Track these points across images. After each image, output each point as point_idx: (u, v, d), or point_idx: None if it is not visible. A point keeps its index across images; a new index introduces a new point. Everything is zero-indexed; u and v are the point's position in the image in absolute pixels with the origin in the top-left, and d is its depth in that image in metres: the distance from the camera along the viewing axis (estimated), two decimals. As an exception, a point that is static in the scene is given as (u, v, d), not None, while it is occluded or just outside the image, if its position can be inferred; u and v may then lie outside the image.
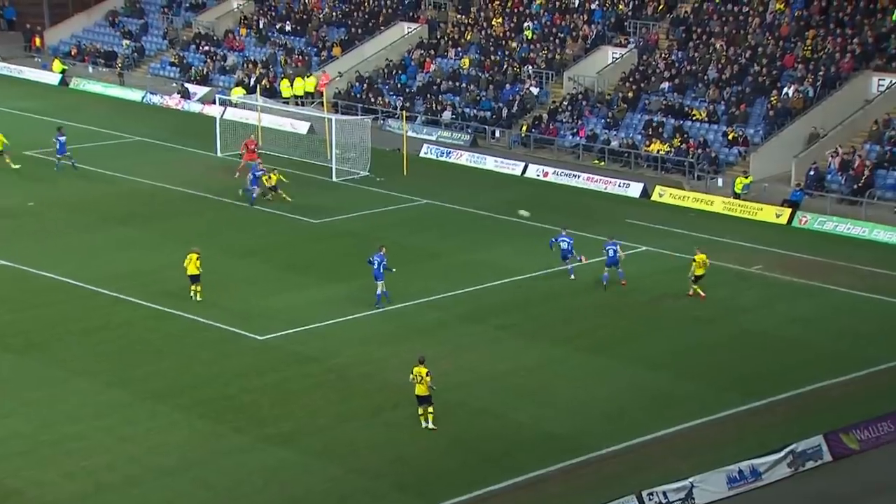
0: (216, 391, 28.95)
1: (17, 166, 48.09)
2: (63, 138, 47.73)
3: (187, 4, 72.37)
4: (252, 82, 61.42)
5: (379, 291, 34.25)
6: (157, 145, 53.79)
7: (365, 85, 60.73)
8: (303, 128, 56.67)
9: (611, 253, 36.22)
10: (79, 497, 23.88)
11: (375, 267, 34.24)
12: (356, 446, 26.37)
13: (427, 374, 26.82)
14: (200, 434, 26.75)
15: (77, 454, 25.26)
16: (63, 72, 66.89)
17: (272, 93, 59.93)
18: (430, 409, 26.93)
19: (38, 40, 71.81)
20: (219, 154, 51.70)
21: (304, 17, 68.09)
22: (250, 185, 44.51)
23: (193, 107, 61.76)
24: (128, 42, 69.23)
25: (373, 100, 59.30)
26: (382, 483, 24.88)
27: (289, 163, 49.97)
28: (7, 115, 58.07)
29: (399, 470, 25.40)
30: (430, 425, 26.87)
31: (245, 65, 64.51)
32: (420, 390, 26.90)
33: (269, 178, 44.52)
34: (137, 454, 25.66)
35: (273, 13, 69.41)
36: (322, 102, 57.10)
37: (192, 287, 34.37)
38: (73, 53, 69.96)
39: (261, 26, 68.27)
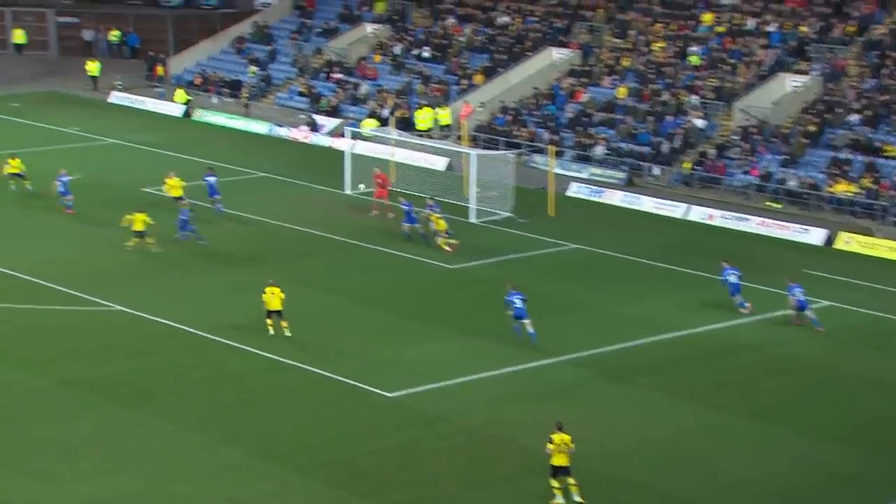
0: (336, 452, 29.52)
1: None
2: (213, 179, 49.06)
3: (318, 30, 74.44)
4: (386, 113, 62.71)
5: (531, 330, 35.15)
6: (281, 181, 55.30)
7: (509, 117, 61.41)
8: (440, 163, 57.57)
9: (799, 296, 36.43)
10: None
11: (518, 306, 34.88)
12: (486, 516, 26.62)
13: (571, 442, 26.79)
14: (318, 500, 27.30)
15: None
16: (186, 102, 69.38)
17: (407, 125, 61.08)
18: (572, 481, 26.87)
19: (160, 69, 74.68)
20: (347, 191, 52.92)
21: (444, 42, 69.33)
22: (406, 221, 45.63)
23: (322, 140, 63.35)
24: (254, 70, 71.45)
25: (517, 133, 59.91)
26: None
27: (423, 202, 50.70)
28: (126, 149, 60.47)
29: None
30: (578, 498, 26.72)
31: (378, 94, 65.93)
32: (560, 460, 26.79)
33: (438, 221, 44.92)
34: (248, 520, 26.42)
35: (410, 38, 70.86)
36: (461, 136, 57.92)
37: (274, 322, 36.01)
38: (197, 83, 72.47)
39: (397, 53, 69.75)
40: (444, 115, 62.12)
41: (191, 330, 36.78)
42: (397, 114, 61.79)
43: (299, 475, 28.28)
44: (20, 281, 40.68)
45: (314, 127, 64.51)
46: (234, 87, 70.97)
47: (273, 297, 36.05)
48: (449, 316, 38.76)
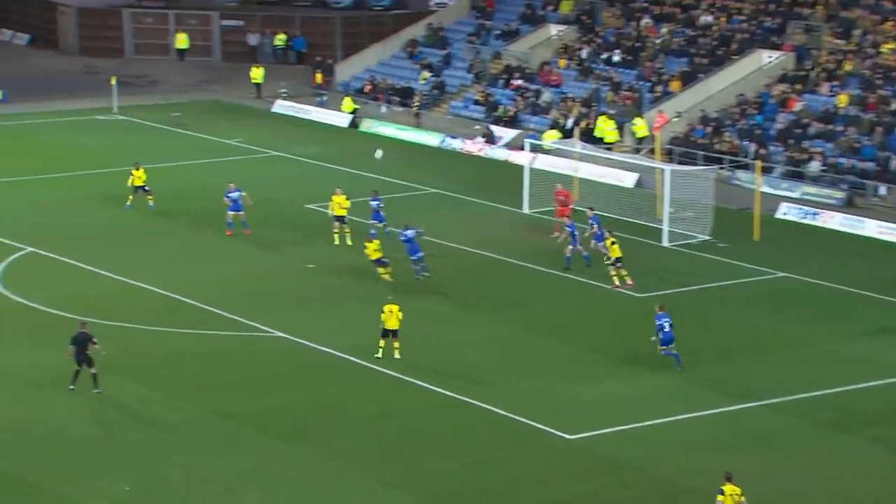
0: (512, 500, 29.42)
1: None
2: (377, 203, 48.88)
3: (497, 32, 74.72)
4: (569, 124, 62.55)
5: (675, 352, 35.39)
6: (453, 198, 55.56)
7: (709, 128, 60.63)
8: (629, 180, 57.14)
9: None
10: None
11: (667, 330, 35.45)
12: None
13: (742, 495, 26.31)
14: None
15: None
16: (353, 112, 70.34)
17: (593, 137, 60.80)
18: None
19: (319, 76, 75.96)
20: (525, 210, 52.84)
21: (637, 45, 68.86)
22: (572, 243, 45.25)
23: (498, 153, 63.49)
24: (426, 76, 72.05)
25: (718, 147, 59.09)
26: None
27: (610, 222, 50.44)
28: (289, 162, 61.57)
29: None
30: None
31: (562, 103, 65.81)
32: None
33: (614, 247, 44.10)
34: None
35: (599, 41, 70.57)
36: (654, 149, 57.40)
37: (387, 342, 36.86)
38: (366, 90, 73.41)
39: (583, 57, 69.55)
40: (640, 127, 61.45)
41: (357, 361, 37.14)
42: (582, 125, 61.55)
43: (470, 524, 28.33)
44: (177, 303, 41.66)
45: (491, 139, 64.70)
46: (405, 95, 71.69)
47: (391, 316, 36.70)
48: (637, 351, 38.30)
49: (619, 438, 32.50)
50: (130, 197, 51.96)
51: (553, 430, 32.62)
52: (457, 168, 61.17)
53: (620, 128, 62.05)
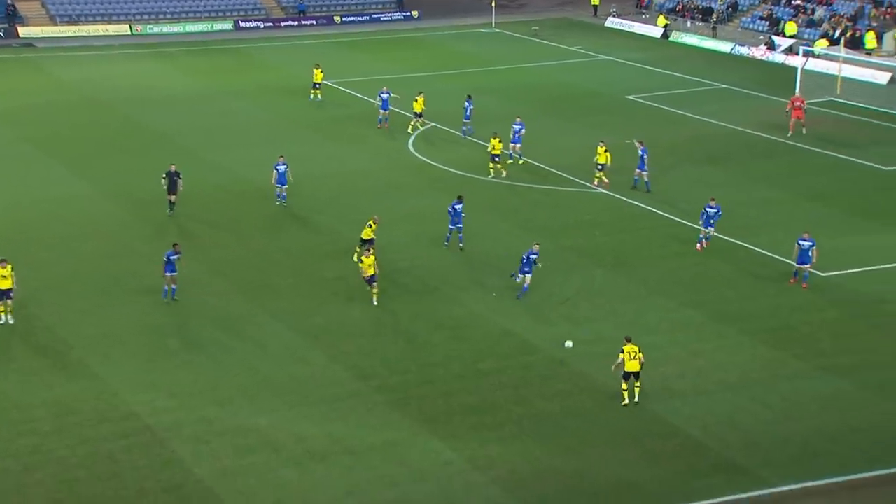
0: (778, 321, 28.59)
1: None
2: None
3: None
4: (837, 34, 58.36)
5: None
6: (740, 93, 53.20)
7: (952, 37, 55.33)
8: (883, 79, 53.08)
9: None
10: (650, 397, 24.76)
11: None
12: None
13: (640, 352, 24.00)
14: (762, 357, 26.62)
15: (653, 362, 25.56)
16: (665, 26, 68.29)
17: (856, 45, 56.55)
18: (638, 384, 24.13)
19: (639, -2, 73.65)
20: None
21: (894, -30, 63.05)
22: None
23: (777, 58, 60.19)
24: (724, -3, 68.77)
25: (958, 52, 53.90)
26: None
27: (866, 112, 47.23)
28: (615, 65, 60.50)
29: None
30: (636, 399, 24.19)
31: (832, 18, 61.37)
32: (632, 367, 24.12)
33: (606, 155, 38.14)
34: (705, 368, 26.11)
35: (863, -33, 65.02)
36: (906, 54, 52.99)
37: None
38: (677, 9, 70.93)
39: (850, -20, 64.34)
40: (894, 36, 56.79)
41: (662, 213, 36.47)
42: (847, 35, 57.25)
43: (747, 336, 27.68)
44: (538, 168, 41.60)
45: (772, 46, 61.31)
46: (706, 13, 68.75)
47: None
48: (884, 212, 35.99)
49: (865, 278, 30.96)
50: (312, 91, 49.96)
51: (812, 270, 31.13)
52: (744, 70, 58.41)
53: (880, 38, 57.39)
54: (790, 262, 31.60)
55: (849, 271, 31.24)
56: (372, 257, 29.26)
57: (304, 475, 22.00)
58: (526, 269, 29.65)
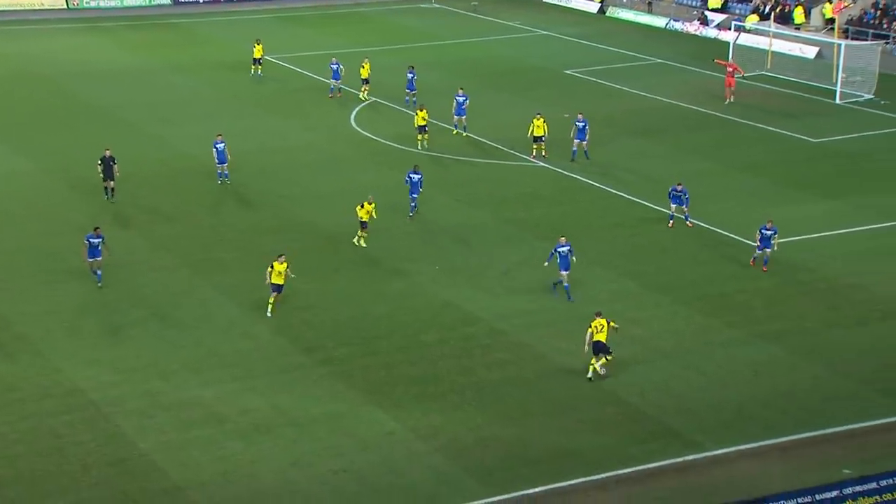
0: (713, 289, 28.91)
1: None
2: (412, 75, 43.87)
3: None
4: (767, 10, 58.92)
5: (567, 285, 28.27)
6: (675, 67, 53.51)
7: (879, 11, 56.04)
8: (811, 53, 53.78)
9: None
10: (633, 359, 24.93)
11: (564, 255, 28.10)
12: (842, 351, 25.22)
13: (609, 323, 24.18)
14: (697, 325, 26.92)
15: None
16: (602, 1, 68.22)
17: (785, 20, 57.18)
18: (608, 358, 24.25)
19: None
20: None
21: (822, -53, 63.70)
22: None
23: (711, 33, 60.63)
24: (657, -26, 68.83)
25: (886, 26, 54.60)
26: (868, 388, 23.66)
27: (795, 85, 47.80)
28: (554, 39, 60.44)
29: (887, 377, 23.95)
30: (602, 371, 24.32)
31: (762, -7, 61.93)
32: (600, 337, 24.05)
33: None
34: (642, 337, 26.34)
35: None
36: (833, 28, 53.59)
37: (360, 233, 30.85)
38: (610, -15, 70.91)
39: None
40: (828, 9, 57.44)
41: (601, 186, 36.60)
42: (777, 10, 57.83)
43: (682, 305, 27.94)
44: (479, 142, 41.67)
45: (705, 21, 61.72)
46: (641, -12, 68.81)
47: (362, 210, 30.51)
48: (812, 183, 36.51)
49: (796, 247, 31.29)
50: (253, 66, 49.61)
51: (743, 240, 31.59)
52: (678, 44, 58.73)
53: (808, 13, 58.06)
54: (725, 232, 31.96)
55: (781, 241, 31.58)
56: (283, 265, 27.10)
57: (249, 447, 21.83)
58: (563, 268, 27.86)
